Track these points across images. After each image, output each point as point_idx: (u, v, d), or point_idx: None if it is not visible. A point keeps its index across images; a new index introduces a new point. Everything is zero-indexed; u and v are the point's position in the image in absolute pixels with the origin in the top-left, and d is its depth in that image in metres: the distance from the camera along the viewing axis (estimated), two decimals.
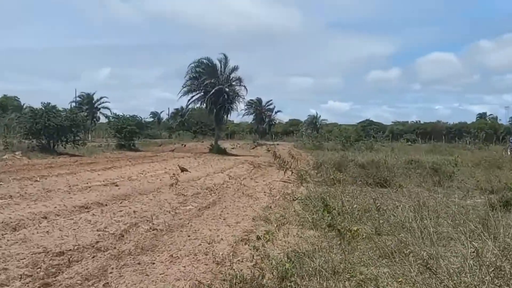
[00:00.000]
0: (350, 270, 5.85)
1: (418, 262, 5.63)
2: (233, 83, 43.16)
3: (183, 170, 20.94)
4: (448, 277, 5.07)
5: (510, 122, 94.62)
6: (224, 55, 43.12)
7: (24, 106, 69.30)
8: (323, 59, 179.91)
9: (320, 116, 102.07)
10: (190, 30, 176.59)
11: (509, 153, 35.08)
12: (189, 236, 8.58)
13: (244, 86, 43.20)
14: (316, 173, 19.63)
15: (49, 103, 33.27)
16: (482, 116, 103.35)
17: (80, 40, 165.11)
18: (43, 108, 32.37)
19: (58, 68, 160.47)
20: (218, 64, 42.88)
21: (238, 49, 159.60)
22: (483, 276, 4.98)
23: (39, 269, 6.33)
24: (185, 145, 51.18)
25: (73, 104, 76.59)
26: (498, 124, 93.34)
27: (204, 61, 43.03)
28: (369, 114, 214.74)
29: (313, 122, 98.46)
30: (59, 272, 6.28)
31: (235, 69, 43.02)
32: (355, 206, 9.83)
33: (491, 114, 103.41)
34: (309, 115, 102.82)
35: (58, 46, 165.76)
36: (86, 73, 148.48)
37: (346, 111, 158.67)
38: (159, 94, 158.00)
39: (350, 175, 16.80)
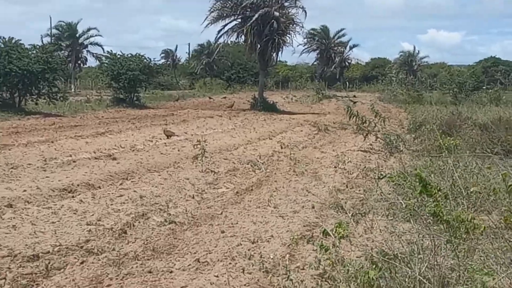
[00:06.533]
0: (467, 281, 5.77)
1: None
2: (286, 3, 42.62)
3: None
4: None
5: None
6: None
7: None
8: None
9: (418, 52, 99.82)
10: None
11: None
12: (223, 232, 8.64)
13: (303, 8, 42.33)
14: (414, 139, 19.47)
15: (12, 37, 33.46)
16: None
17: None
18: (1, 45, 32.61)
19: None
20: None
21: None
22: None
23: (4, 280, 6.50)
24: (212, 99, 51.40)
25: (47, 39, 75.72)
26: None
27: None
28: (494, 49, 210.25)
29: (408, 62, 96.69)
30: (33, 285, 6.45)
31: None
32: (473, 186, 9.66)
33: None
34: (401, 52, 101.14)
35: None
36: None
37: (457, 44, 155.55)
38: (171, 22, 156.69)
39: (465, 141, 16.55)
